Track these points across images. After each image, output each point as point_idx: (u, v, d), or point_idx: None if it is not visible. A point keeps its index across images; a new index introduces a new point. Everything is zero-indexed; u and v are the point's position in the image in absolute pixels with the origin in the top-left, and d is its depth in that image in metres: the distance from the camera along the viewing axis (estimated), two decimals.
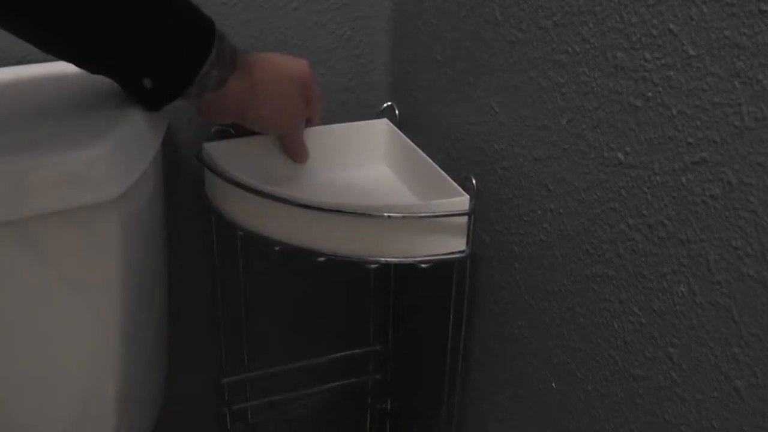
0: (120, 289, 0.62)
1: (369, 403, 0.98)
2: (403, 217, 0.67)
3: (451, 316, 0.79)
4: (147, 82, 0.59)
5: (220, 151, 0.72)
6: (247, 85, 0.65)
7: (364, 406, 0.98)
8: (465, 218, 0.69)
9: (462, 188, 0.70)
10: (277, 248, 0.69)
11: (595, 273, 0.60)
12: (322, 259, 0.68)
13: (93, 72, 0.60)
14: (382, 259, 0.68)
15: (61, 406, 0.65)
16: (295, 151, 0.77)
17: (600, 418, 0.62)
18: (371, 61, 0.85)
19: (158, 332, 0.77)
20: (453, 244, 0.70)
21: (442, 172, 0.72)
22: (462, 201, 0.68)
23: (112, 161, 0.58)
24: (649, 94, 0.52)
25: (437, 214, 0.67)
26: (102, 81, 0.61)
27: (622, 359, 0.59)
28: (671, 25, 0.49)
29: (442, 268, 0.73)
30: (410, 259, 0.68)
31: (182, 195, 0.80)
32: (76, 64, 0.59)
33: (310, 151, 0.78)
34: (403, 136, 0.79)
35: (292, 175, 0.77)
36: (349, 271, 0.92)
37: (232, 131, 0.76)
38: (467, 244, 0.70)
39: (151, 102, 0.61)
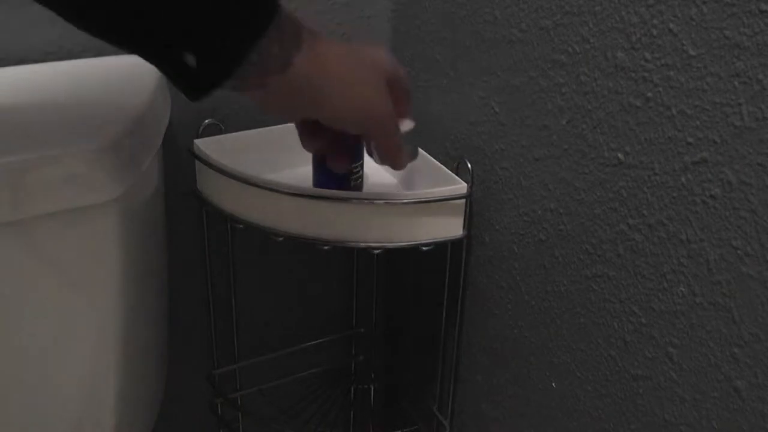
0: (120, 288, 0.62)
1: (353, 382, 1.02)
2: (405, 203, 0.68)
3: (444, 310, 0.79)
4: (190, 59, 0.46)
5: (211, 147, 0.73)
6: (318, 68, 0.52)
7: (350, 387, 1.02)
8: (463, 201, 0.70)
9: (456, 171, 0.71)
10: (280, 239, 0.69)
11: (595, 273, 0.60)
12: (327, 247, 0.69)
13: (122, 47, 0.47)
14: (387, 244, 0.69)
15: (61, 405, 0.65)
16: (392, 154, 0.60)
17: (600, 418, 0.62)
18: None
19: (158, 330, 0.77)
20: (451, 228, 0.71)
21: (434, 159, 0.73)
22: (460, 186, 0.70)
23: (112, 161, 0.58)
24: (649, 94, 0.52)
25: (437, 198, 0.68)
26: (102, 81, 0.61)
27: (622, 359, 0.59)
28: (671, 25, 0.49)
29: (436, 259, 0.74)
30: (413, 243, 0.69)
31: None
32: (101, 37, 0.47)
33: (294, 146, 0.76)
34: None
35: (281, 169, 0.78)
36: (333, 259, 0.94)
37: (222, 127, 0.77)
38: (464, 226, 0.71)
39: (195, 85, 0.48)
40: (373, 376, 1.02)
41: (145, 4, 0.44)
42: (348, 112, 0.55)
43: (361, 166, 0.74)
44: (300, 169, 0.78)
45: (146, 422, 0.76)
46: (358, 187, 0.74)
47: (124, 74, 0.68)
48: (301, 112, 0.56)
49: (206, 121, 0.77)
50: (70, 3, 0.45)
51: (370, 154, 0.62)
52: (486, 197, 0.72)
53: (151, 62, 0.47)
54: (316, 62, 0.52)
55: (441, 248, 0.73)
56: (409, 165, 0.76)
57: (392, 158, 0.61)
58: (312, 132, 0.60)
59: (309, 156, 0.75)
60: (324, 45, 0.53)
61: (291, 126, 0.80)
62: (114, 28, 0.46)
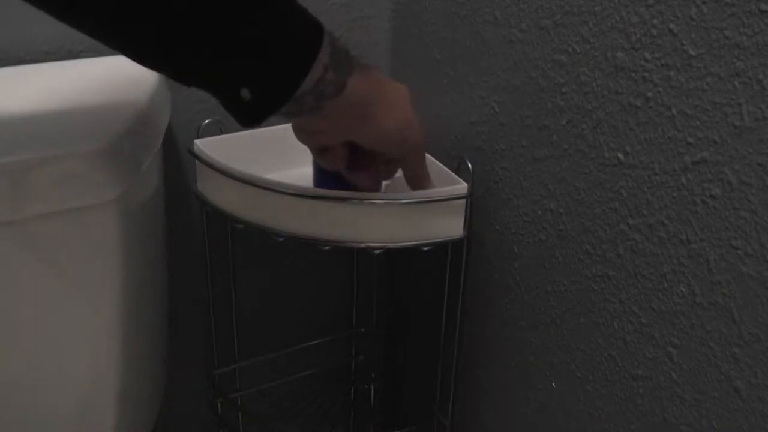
0: (120, 288, 0.62)
1: (353, 382, 1.02)
2: (405, 203, 0.67)
3: (445, 310, 0.79)
4: (245, 93, 0.49)
5: (211, 147, 0.73)
6: (369, 88, 0.55)
7: (350, 387, 1.02)
8: (463, 201, 0.70)
9: (457, 171, 0.71)
10: (281, 239, 0.69)
11: (595, 273, 0.60)
12: (327, 247, 0.69)
13: (183, 83, 0.50)
14: (387, 244, 0.69)
15: (61, 405, 0.65)
16: (421, 176, 0.65)
17: (600, 418, 0.62)
18: (371, 61, 0.85)
19: (158, 330, 0.77)
20: (451, 228, 0.71)
21: (434, 159, 0.73)
22: (461, 186, 0.69)
23: (112, 161, 0.58)
24: (649, 94, 0.52)
25: (437, 198, 0.68)
26: (102, 81, 0.61)
27: (622, 359, 0.59)
28: (671, 25, 0.49)
29: (436, 259, 0.73)
30: (413, 243, 0.69)
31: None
32: (167, 75, 0.50)
33: (294, 146, 0.76)
34: None
35: (281, 169, 0.78)
36: (333, 259, 0.95)
37: (222, 127, 0.77)
38: (465, 226, 0.71)
39: (249, 116, 0.50)
40: (373, 376, 1.02)
41: (202, 47, 0.47)
42: (392, 129, 0.58)
43: None
44: (300, 169, 0.78)
45: (146, 422, 0.76)
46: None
47: (124, 74, 0.68)
48: (349, 133, 0.58)
49: (206, 121, 0.77)
50: (143, 48, 0.48)
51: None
52: (486, 197, 0.72)
53: (209, 93, 0.50)
54: (367, 83, 0.54)
55: (441, 248, 0.73)
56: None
57: (419, 181, 0.65)
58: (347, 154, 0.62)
59: (309, 156, 0.75)
60: (367, 65, 0.55)
61: (291, 126, 0.81)
62: (172, 69, 0.49)
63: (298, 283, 0.95)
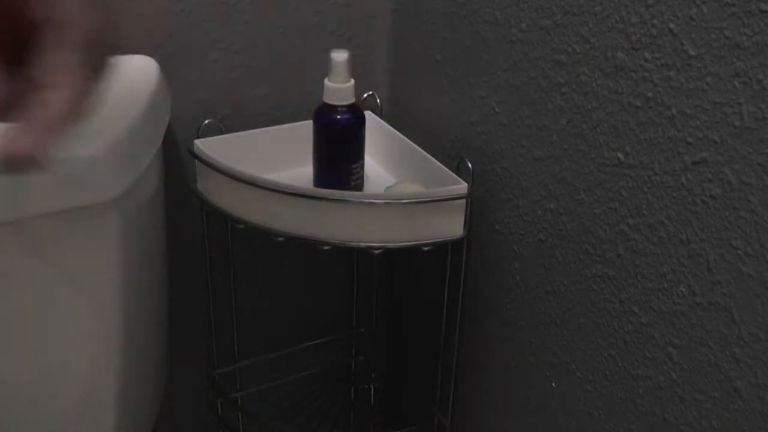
0: (120, 288, 0.62)
1: (353, 382, 1.02)
2: (405, 203, 0.67)
3: (445, 310, 0.79)
4: None
5: (211, 147, 0.73)
6: None
7: (350, 387, 1.02)
8: (463, 201, 0.70)
9: (457, 171, 0.71)
10: (281, 239, 0.69)
11: (595, 273, 0.60)
12: (327, 247, 0.69)
13: None
14: (387, 244, 0.69)
15: (61, 405, 0.65)
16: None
17: (600, 418, 0.62)
18: (371, 61, 0.85)
19: (158, 330, 0.77)
20: (451, 228, 0.71)
21: (434, 159, 0.73)
22: (460, 186, 0.69)
23: (112, 161, 0.58)
24: (649, 94, 0.52)
25: (437, 198, 0.68)
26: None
27: (622, 359, 0.59)
28: (671, 25, 0.49)
29: (436, 259, 0.73)
30: (413, 243, 0.69)
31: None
32: None
33: (294, 146, 0.75)
34: (390, 127, 0.80)
35: (281, 169, 0.78)
36: (333, 259, 0.94)
37: (222, 127, 0.77)
38: (465, 226, 0.71)
39: None
40: (373, 376, 1.02)
41: None
42: None
43: (362, 166, 0.74)
44: (300, 169, 0.78)
45: (146, 422, 0.76)
46: (358, 187, 0.74)
47: (124, 74, 0.68)
48: None
49: (206, 121, 0.77)
50: None
51: None
52: (486, 197, 0.72)
53: None
54: None
55: (441, 248, 0.73)
56: (409, 165, 0.77)
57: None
58: None
59: (309, 156, 0.75)
60: None
61: (291, 126, 0.81)
62: None
63: (298, 283, 0.95)
